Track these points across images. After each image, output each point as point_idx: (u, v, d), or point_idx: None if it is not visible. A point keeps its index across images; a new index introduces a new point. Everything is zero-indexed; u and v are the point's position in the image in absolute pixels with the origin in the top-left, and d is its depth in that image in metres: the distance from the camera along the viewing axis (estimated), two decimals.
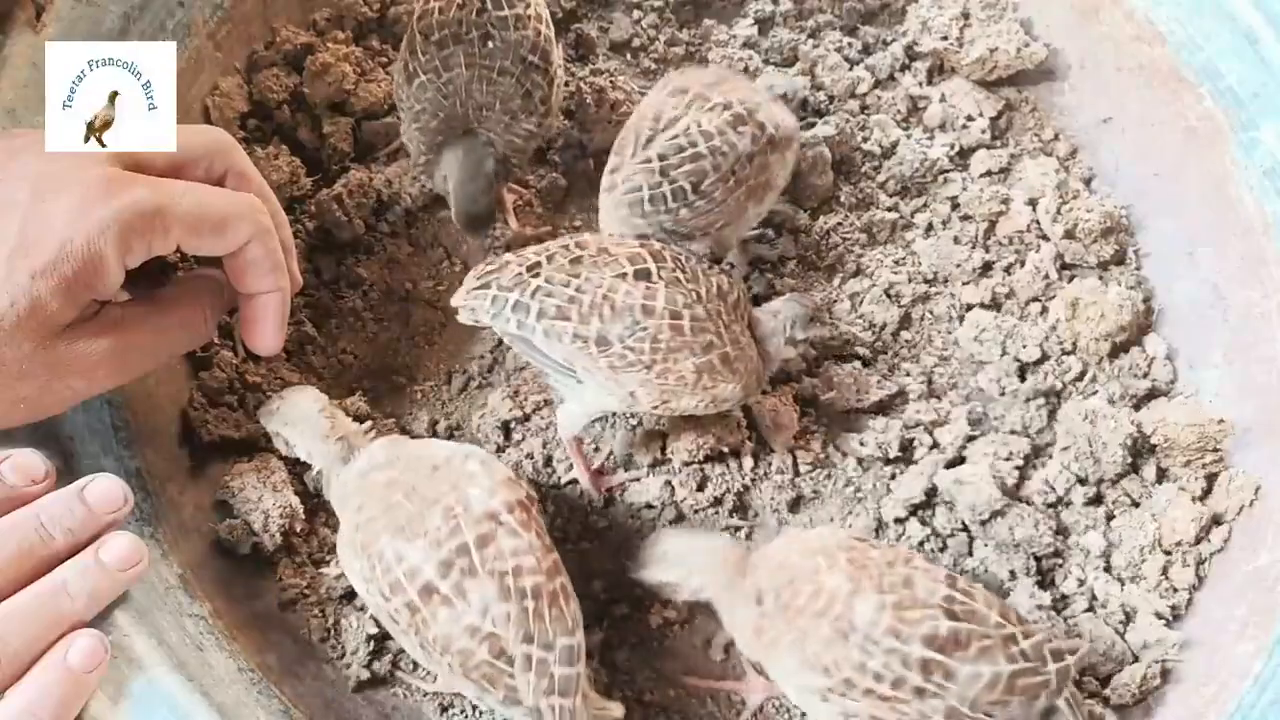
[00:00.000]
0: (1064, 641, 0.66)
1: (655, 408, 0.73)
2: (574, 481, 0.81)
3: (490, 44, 0.80)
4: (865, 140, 0.97)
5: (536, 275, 0.70)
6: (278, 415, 0.71)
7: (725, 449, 0.81)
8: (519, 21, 0.81)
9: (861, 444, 0.83)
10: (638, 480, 0.81)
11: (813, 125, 0.96)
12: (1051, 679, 0.64)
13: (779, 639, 0.66)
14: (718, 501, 0.80)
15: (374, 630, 0.73)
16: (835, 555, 0.67)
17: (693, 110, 0.79)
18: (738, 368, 0.72)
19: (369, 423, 0.75)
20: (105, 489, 0.59)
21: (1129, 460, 0.82)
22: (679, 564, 0.69)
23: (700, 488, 0.80)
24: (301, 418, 0.70)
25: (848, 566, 0.66)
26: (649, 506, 0.80)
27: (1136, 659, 0.75)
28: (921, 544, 0.80)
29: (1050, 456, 0.84)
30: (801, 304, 0.77)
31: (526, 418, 0.83)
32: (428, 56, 0.80)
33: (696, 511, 0.80)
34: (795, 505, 0.81)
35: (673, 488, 0.80)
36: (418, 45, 0.80)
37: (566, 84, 0.96)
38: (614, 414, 0.82)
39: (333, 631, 0.74)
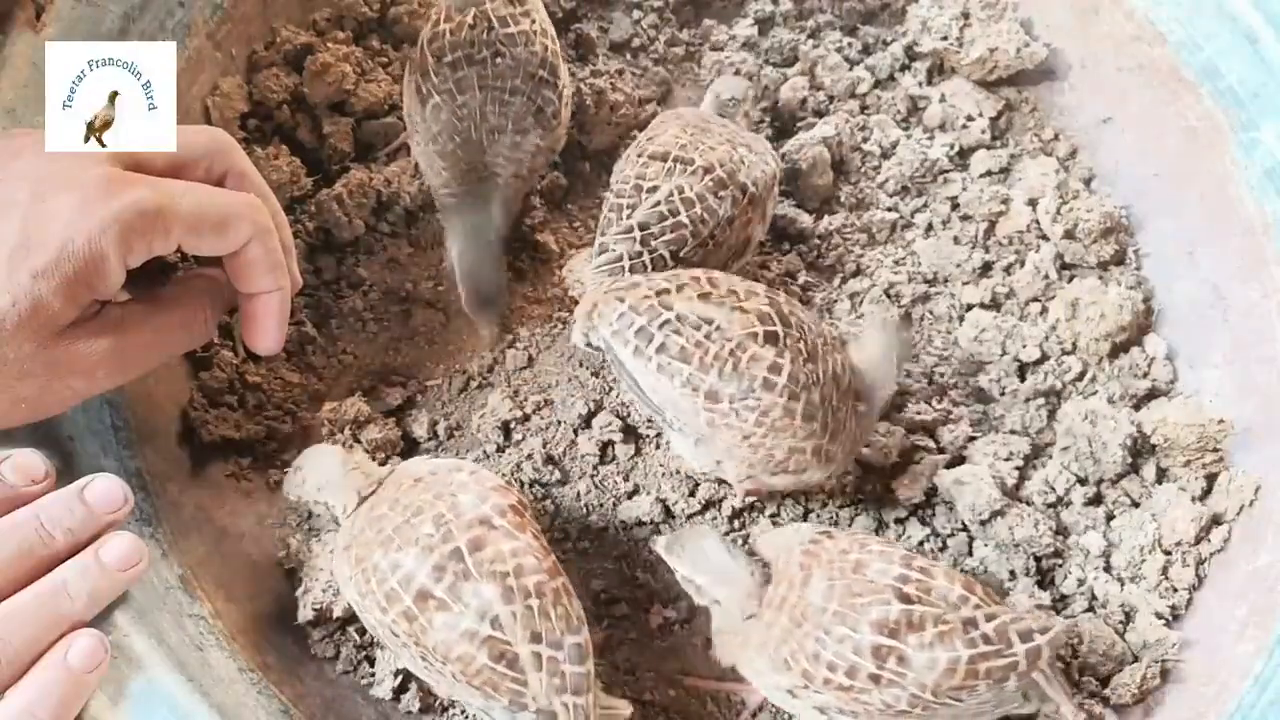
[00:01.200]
0: (1034, 621, 0.64)
1: (740, 480, 0.72)
2: (564, 481, 0.81)
3: (500, 62, 0.79)
4: (865, 140, 0.97)
5: (668, 307, 0.68)
6: (308, 485, 0.70)
7: None
8: (526, 38, 0.80)
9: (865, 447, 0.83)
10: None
11: (812, 125, 0.96)
12: (1020, 660, 0.62)
13: (748, 640, 0.66)
14: (710, 505, 0.80)
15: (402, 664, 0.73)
16: (793, 550, 0.67)
17: (675, 176, 0.78)
18: (832, 457, 0.71)
19: (390, 463, 0.74)
20: (105, 489, 0.59)
21: (1129, 460, 0.82)
22: (716, 571, 0.68)
23: (691, 493, 0.80)
24: (330, 482, 0.70)
25: (802, 558, 0.66)
26: (640, 524, 0.80)
27: (1136, 659, 0.75)
28: (921, 544, 0.80)
29: (1050, 456, 0.84)
30: (898, 335, 0.75)
31: (526, 418, 0.83)
32: (441, 78, 0.79)
33: (690, 517, 0.80)
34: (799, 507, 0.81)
35: (665, 505, 0.80)
36: (430, 67, 0.80)
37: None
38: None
39: (367, 661, 0.74)
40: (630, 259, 0.75)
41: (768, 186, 0.82)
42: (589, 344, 0.72)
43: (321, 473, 0.70)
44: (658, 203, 0.77)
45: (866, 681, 0.62)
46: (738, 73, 0.97)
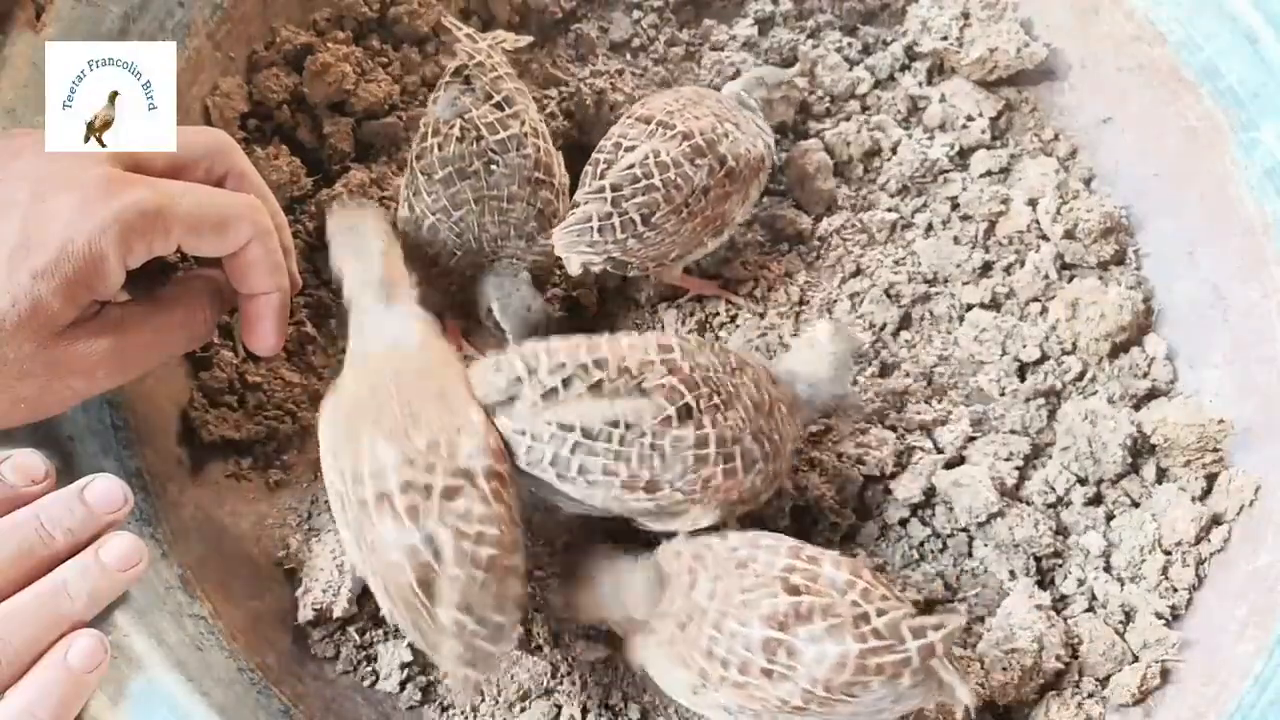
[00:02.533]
0: (929, 617, 0.63)
1: (710, 523, 0.70)
2: None
3: (495, 170, 0.77)
4: (865, 140, 0.97)
5: (568, 427, 0.64)
6: (343, 236, 0.70)
7: None
8: (517, 141, 0.78)
9: (863, 446, 0.83)
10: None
11: (808, 131, 0.96)
12: (912, 657, 0.61)
13: (648, 640, 0.66)
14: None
15: (408, 658, 0.73)
16: (682, 555, 0.67)
17: (654, 139, 0.78)
18: (779, 472, 0.71)
19: (415, 278, 0.72)
20: (105, 489, 0.60)
21: (1129, 460, 0.82)
22: (612, 603, 0.68)
23: None
24: (363, 250, 0.69)
25: (691, 561, 0.66)
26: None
27: (1136, 659, 0.75)
28: (922, 544, 0.80)
29: (1050, 456, 0.84)
30: (840, 337, 0.73)
31: None
32: (434, 196, 0.77)
33: None
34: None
35: None
36: (421, 185, 0.77)
37: (566, 84, 0.96)
38: None
39: (366, 660, 0.74)
40: (599, 220, 0.75)
41: (750, 166, 0.82)
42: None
43: (360, 238, 0.69)
44: (632, 164, 0.76)
45: (759, 676, 0.61)
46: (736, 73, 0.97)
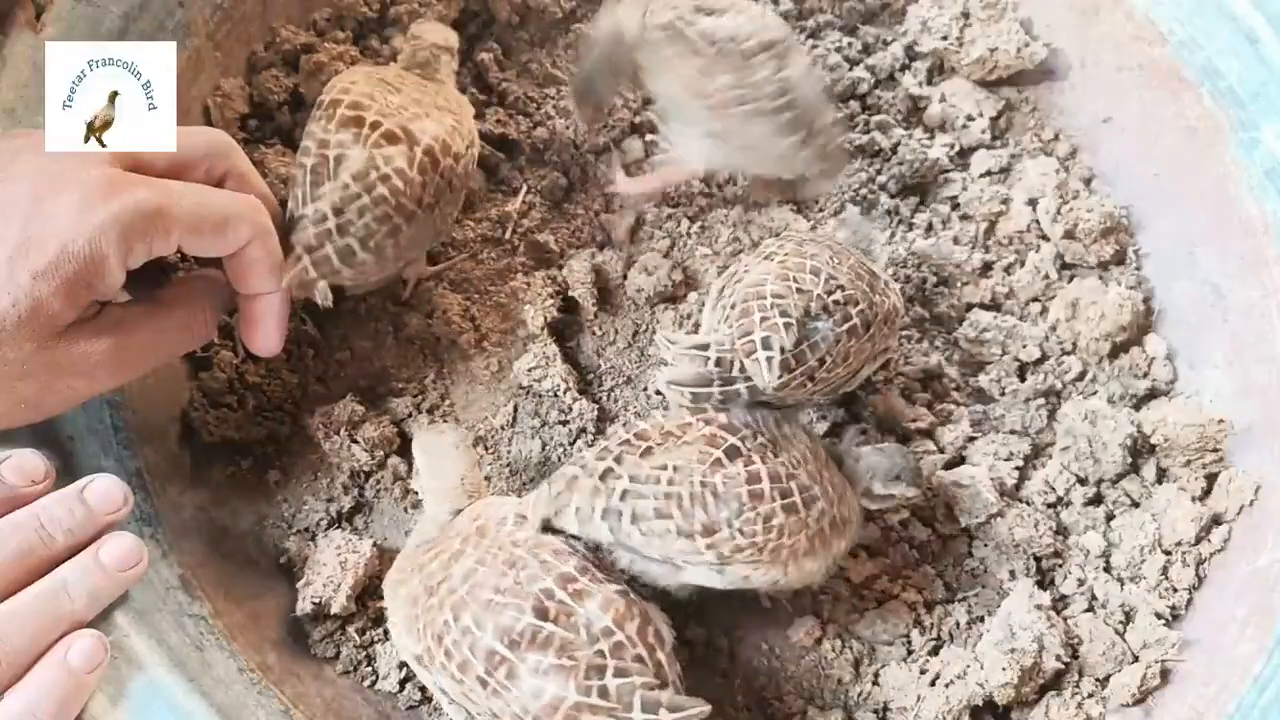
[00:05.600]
0: (675, 698, 0.59)
1: (776, 582, 0.68)
2: None
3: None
4: (865, 140, 0.97)
5: (618, 477, 0.64)
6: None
7: None
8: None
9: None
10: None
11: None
12: None
13: (397, 586, 0.65)
14: None
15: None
16: (477, 516, 0.66)
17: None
18: (850, 520, 0.69)
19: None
20: (105, 489, 0.60)
21: (1129, 460, 0.82)
22: (435, 471, 0.68)
23: None
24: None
25: (473, 527, 0.64)
26: None
27: (1136, 659, 0.75)
28: (922, 544, 0.80)
29: (1050, 456, 0.84)
30: (891, 458, 0.72)
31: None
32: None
33: None
34: None
35: None
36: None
37: (567, 84, 0.96)
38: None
39: (366, 660, 0.74)
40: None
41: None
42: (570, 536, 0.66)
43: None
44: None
45: (474, 682, 0.58)
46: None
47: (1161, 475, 0.83)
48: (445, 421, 0.82)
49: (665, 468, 0.64)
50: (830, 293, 0.71)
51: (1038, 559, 0.80)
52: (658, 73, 0.82)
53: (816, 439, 0.71)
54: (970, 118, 0.99)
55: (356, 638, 0.74)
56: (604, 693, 0.57)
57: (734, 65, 0.78)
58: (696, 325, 0.86)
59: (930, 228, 0.95)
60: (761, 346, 0.68)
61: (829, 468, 0.69)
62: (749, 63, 0.78)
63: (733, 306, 0.71)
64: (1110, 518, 0.82)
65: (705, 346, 0.70)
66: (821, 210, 0.94)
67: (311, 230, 0.69)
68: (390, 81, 0.77)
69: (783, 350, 0.68)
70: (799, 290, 0.71)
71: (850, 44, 1.02)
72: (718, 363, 0.69)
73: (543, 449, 0.81)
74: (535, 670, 0.58)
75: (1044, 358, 0.88)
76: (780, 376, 0.68)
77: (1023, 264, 0.92)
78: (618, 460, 0.65)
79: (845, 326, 0.70)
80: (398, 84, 0.77)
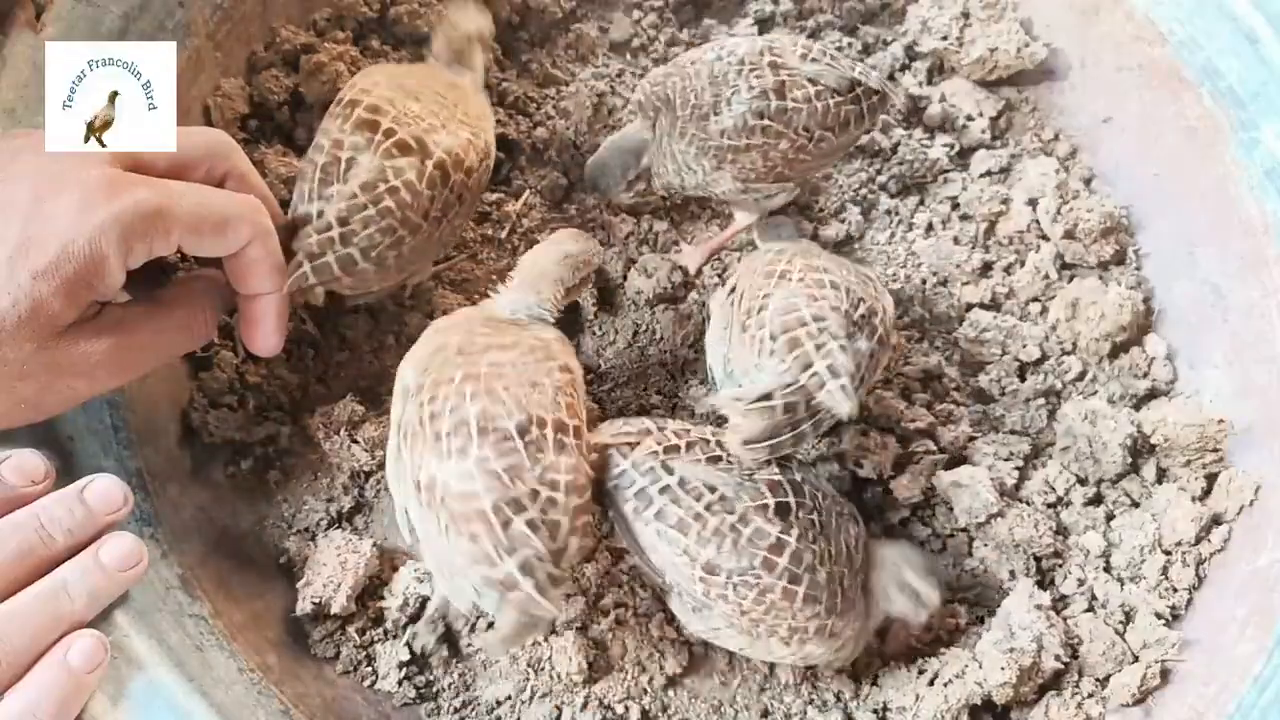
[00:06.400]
0: (550, 584, 0.60)
1: (741, 649, 0.70)
2: None
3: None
4: (865, 140, 0.97)
5: (670, 470, 0.66)
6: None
7: None
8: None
9: (863, 447, 0.83)
10: None
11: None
12: (511, 571, 0.59)
13: (445, 330, 0.69)
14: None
15: (406, 657, 0.73)
16: (541, 338, 0.68)
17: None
18: (837, 633, 0.68)
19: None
20: (105, 489, 0.60)
21: (1129, 460, 0.82)
22: None
23: None
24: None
25: (535, 346, 0.66)
26: None
27: (1136, 659, 0.75)
28: (922, 544, 0.80)
29: (1050, 456, 0.84)
30: (931, 561, 0.71)
31: None
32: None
33: None
34: None
35: None
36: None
37: (567, 84, 0.96)
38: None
39: (366, 660, 0.74)
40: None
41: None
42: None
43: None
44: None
45: (430, 434, 0.62)
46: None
47: (1161, 475, 0.83)
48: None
49: (714, 490, 0.65)
50: (855, 307, 0.71)
51: (1038, 559, 0.80)
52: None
53: (862, 543, 0.71)
54: (970, 118, 0.99)
55: (356, 638, 0.74)
56: (506, 525, 0.59)
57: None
58: (701, 331, 0.86)
59: (930, 228, 0.95)
60: (830, 375, 0.67)
61: (855, 579, 0.69)
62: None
63: (773, 338, 0.70)
64: (1110, 518, 0.82)
65: (769, 396, 0.67)
66: (822, 210, 0.94)
67: (315, 238, 0.70)
68: (411, 88, 0.77)
69: (850, 375, 0.68)
70: (833, 309, 0.70)
71: (850, 44, 1.02)
72: (785, 409, 0.67)
73: None
74: (478, 462, 0.60)
75: (1044, 358, 0.88)
76: (856, 401, 0.67)
77: (1023, 264, 0.92)
78: (689, 445, 0.67)
79: (875, 339, 0.70)
80: (419, 91, 0.76)
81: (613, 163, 0.84)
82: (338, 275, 0.71)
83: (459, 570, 0.62)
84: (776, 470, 0.68)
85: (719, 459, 0.67)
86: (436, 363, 0.65)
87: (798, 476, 0.68)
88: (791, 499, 0.66)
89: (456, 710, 0.73)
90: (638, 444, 0.67)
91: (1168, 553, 0.79)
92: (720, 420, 0.74)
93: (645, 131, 0.83)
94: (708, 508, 0.65)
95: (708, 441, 0.68)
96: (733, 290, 0.76)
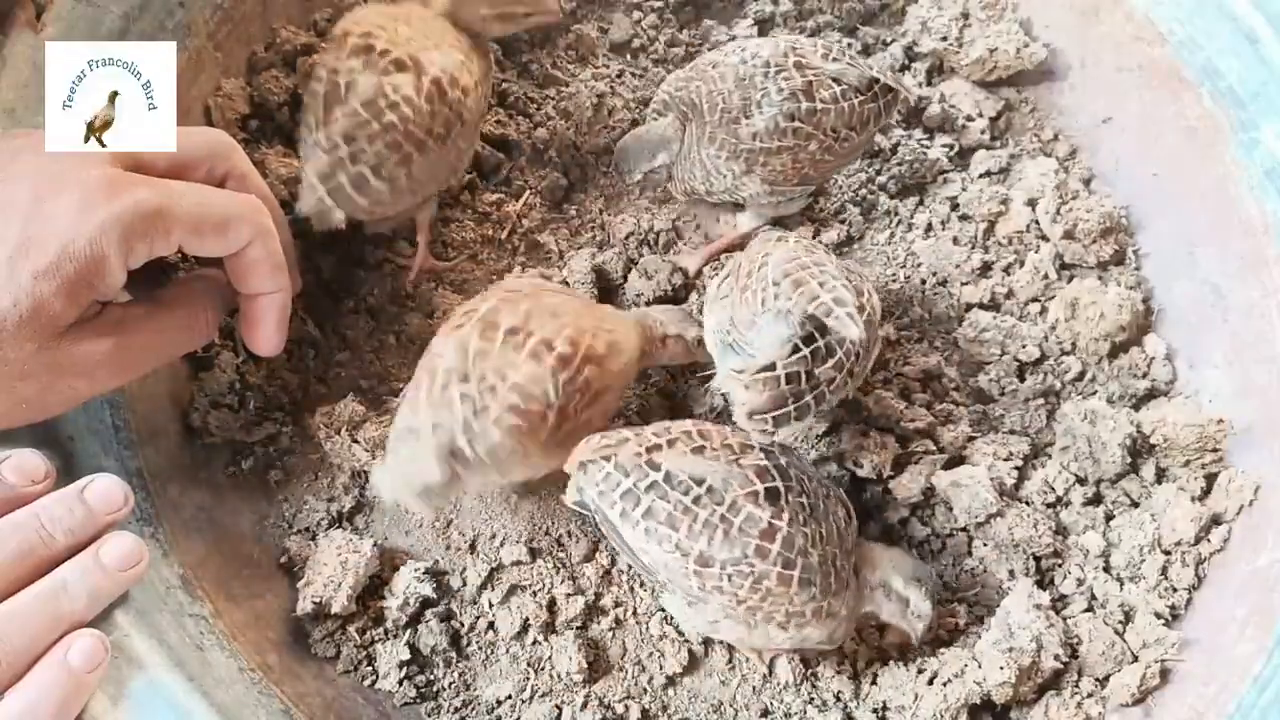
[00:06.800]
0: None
1: (740, 638, 0.71)
2: None
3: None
4: None
5: (656, 467, 0.66)
6: None
7: None
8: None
9: (863, 447, 0.83)
10: None
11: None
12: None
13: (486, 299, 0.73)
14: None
15: (407, 657, 0.73)
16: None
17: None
18: (834, 613, 0.68)
19: None
20: (105, 489, 0.60)
21: (1128, 460, 0.82)
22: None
23: None
24: None
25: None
26: None
27: (1136, 659, 0.75)
28: (922, 544, 0.80)
29: (1049, 456, 0.84)
30: (919, 568, 0.71)
31: None
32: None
33: None
34: None
35: None
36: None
37: (567, 84, 0.96)
38: None
39: (367, 660, 0.74)
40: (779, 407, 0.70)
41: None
42: (578, 503, 0.69)
43: None
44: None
45: (424, 371, 0.70)
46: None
47: (1161, 475, 0.83)
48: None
49: (702, 482, 0.65)
50: (849, 280, 0.72)
51: (1037, 559, 0.80)
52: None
53: (853, 529, 0.71)
54: (970, 118, 0.99)
55: (357, 637, 0.74)
56: (444, 388, 0.67)
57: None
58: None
59: (930, 228, 0.95)
60: (835, 304, 0.69)
61: (847, 559, 0.69)
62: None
63: (775, 283, 0.71)
64: (1110, 518, 0.82)
65: (771, 366, 0.68)
66: (822, 211, 0.94)
67: (325, 158, 0.72)
68: (401, 15, 0.79)
69: (855, 305, 0.69)
70: (831, 263, 0.73)
71: (850, 44, 1.02)
72: (788, 379, 0.68)
73: None
74: (460, 337, 0.68)
75: (1043, 358, 0.88)
76: (862, 328, 0.68)
77: (1022, 264, 0.92)
78: (670, 442, 0.67)
79: (863, 318, 0.70)
80: (408, 17, 0.79)
81: (634, 151, 0.86)
82: (351, 196, 0.73)
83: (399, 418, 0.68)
84: (763, 456, 0.68)
85: (703, 449, 0.67)
86: (457, 324, 0.71)
87: (783, 461, 0.68)
88: (780, 484, 0.66)
89: (456, 710, 0.73)
90: (620, 447, 0.67)
91: (1167, 553, 0.79)
92: (724, 417, 0.74)
93: (671, 130, 0.84)
94: (695, 501, 0.65)
95: (690, 434, 0.68)
96: (728, 276, 0.77)
